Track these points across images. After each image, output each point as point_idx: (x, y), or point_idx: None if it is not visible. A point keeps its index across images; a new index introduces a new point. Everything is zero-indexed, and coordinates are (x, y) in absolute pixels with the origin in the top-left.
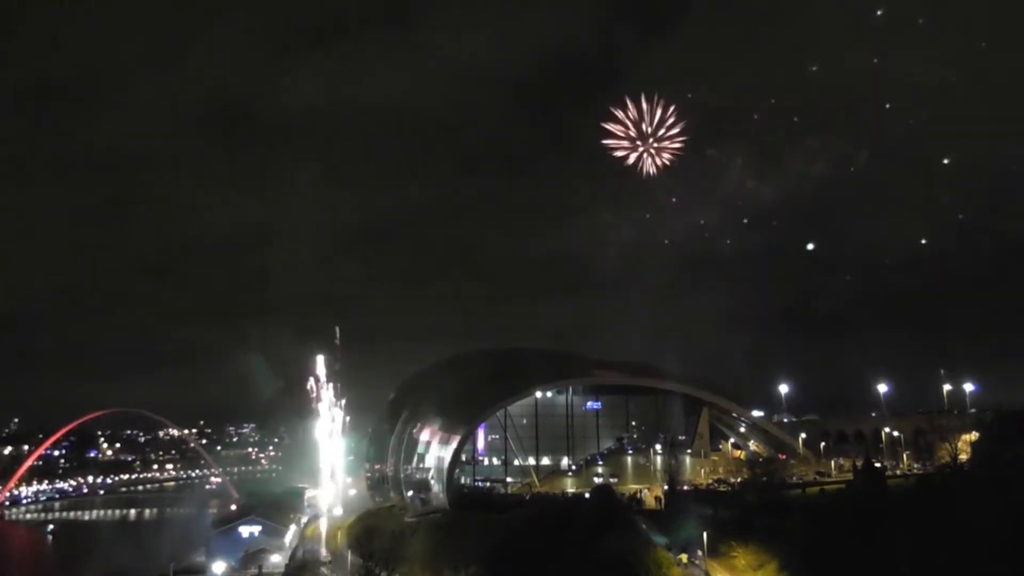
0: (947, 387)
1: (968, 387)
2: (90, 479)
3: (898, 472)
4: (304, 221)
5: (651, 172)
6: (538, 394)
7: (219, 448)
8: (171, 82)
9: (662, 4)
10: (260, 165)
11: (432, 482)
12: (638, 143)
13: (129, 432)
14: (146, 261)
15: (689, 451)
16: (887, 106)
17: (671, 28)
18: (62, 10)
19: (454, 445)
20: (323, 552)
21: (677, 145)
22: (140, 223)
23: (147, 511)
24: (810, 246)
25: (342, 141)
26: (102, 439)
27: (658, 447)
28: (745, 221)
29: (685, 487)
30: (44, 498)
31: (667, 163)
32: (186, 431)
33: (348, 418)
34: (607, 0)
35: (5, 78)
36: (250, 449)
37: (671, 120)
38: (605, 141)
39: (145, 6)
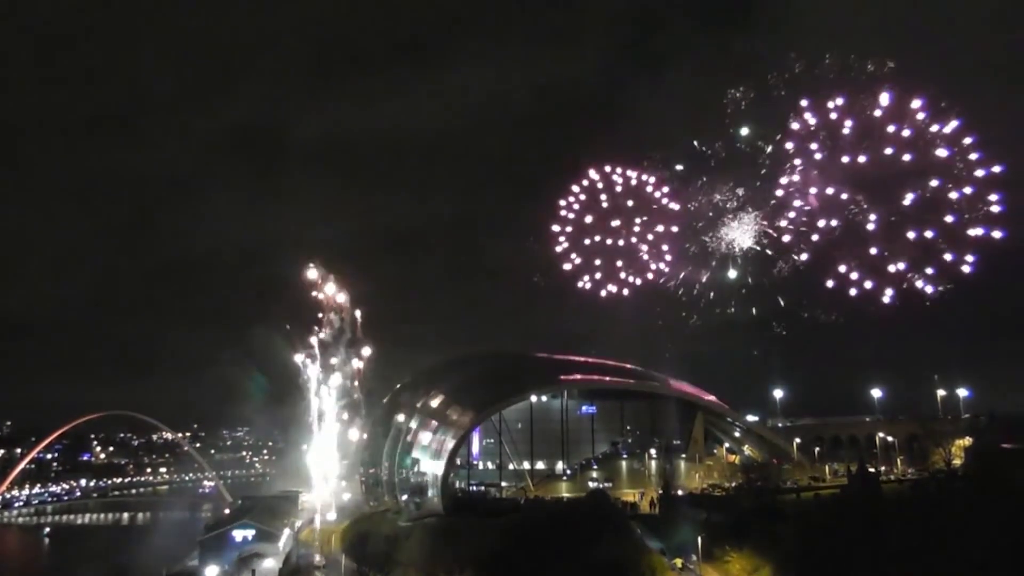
0: (941, 392)
1: (962, 392)
2: (83, 482)
3: (892, 477)
4: (318, 234)
5: None
6: (533, 398)
7: (213, 452)
8: (205, 110)
9: (661, 46)
10: (281, 184)
11: (427, 486)
12: None
13: (122, 435)
14: (161, 272)
15: (684, 456)
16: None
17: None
18: (114, 48)
19: (449, 449)
20: (317, 556)
21: None
22: (162, 237)
23: (140, 515)
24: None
25: (358, 162)
26: (95, 442)
27: (653, 452)
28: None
29: (680, 492)
30: (36, 501)
31: None
32: (180, 434)
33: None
34: (612, 40)
35: (56, 104)
36: (244, 453)
37: None
38: None
39: (188, 43)
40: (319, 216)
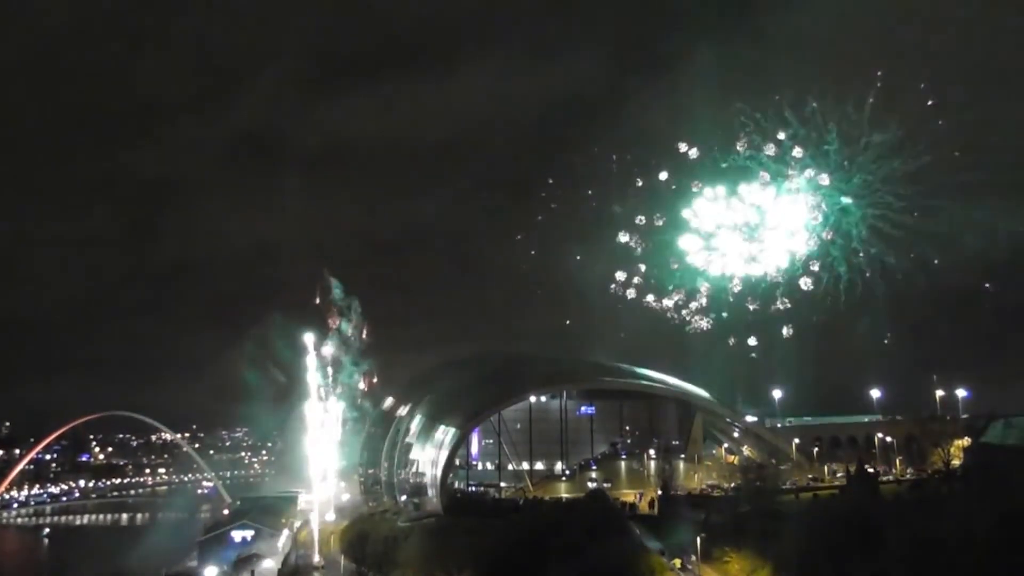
0: (940, 392)
1: (960, 393)
2: (82, 483)
3: (891, 477)
4: (320, 237)
5: None
6: (532, 398)
7: (211, 452)
8: (208, 115)
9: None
10: (283, 189)
11: (426, 487)
12: None
13: (121, 436)
14: (162, 274)
15: (683, 456)
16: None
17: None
18: (118, 54)
19: (448, 450)
20: (316, 557)
21: None
22: (164, 239)
23: (139, 516)
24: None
25: (359, 167)
26: (94, 443)
27: (652, 452)
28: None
29: (679, 492)
30: (35, 502)
31: None
32: (179, 435)
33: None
34: (614, 49)
35: (62, 108)
36: (243, 453)
37: None
38: None
39: (192, 50)
40: (321, 220)
